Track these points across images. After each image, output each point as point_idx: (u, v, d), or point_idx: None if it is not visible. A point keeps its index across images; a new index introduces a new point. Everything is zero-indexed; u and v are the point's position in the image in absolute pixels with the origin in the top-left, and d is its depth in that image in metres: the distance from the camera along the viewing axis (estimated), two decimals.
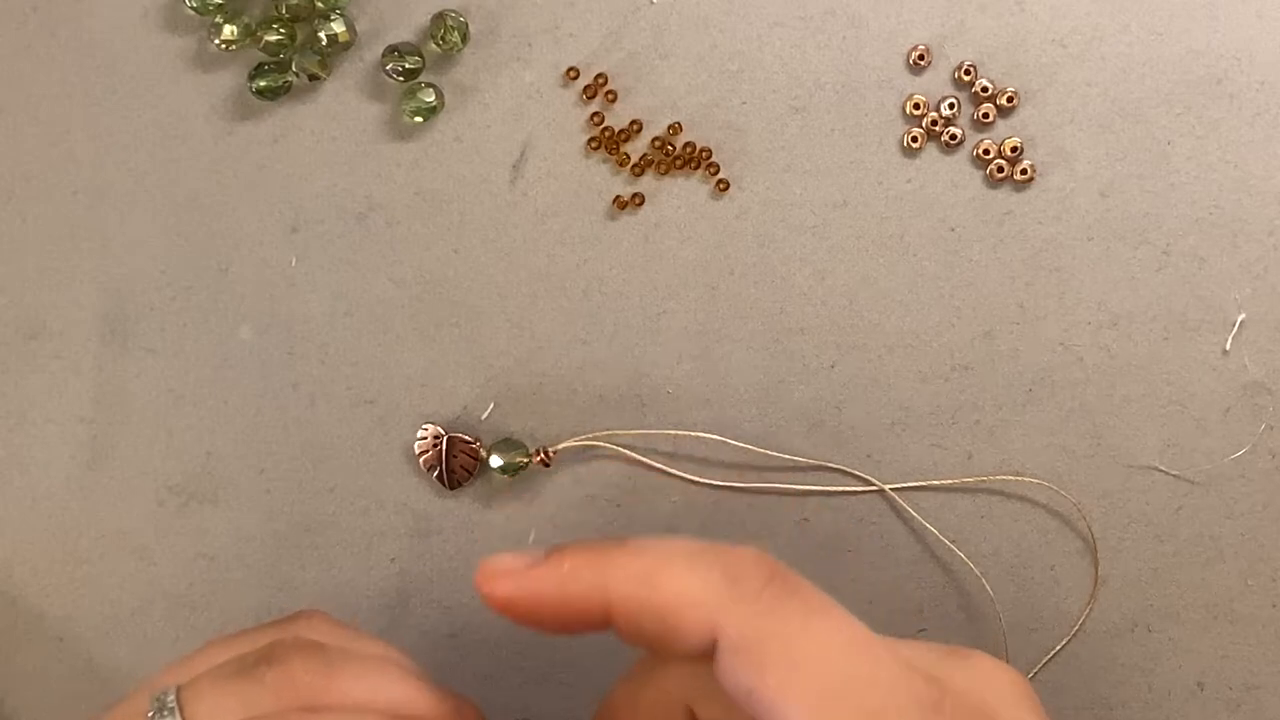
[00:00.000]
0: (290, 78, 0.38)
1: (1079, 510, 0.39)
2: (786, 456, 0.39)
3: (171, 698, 0.28)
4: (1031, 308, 0.38)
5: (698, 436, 0.39)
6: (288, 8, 0.38)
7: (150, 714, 0.28)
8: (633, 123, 0.38)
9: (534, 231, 0.39)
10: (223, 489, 0.39)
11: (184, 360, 0.39)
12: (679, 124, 0.38)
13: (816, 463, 0.39)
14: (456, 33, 0.38)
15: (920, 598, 0.39)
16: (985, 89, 0.38)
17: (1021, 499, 0.39)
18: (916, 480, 0.39)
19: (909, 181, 0.38)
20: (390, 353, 0.39)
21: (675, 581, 0.25)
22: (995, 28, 0.38)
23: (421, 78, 0.38)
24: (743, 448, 0.39)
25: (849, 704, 0.24)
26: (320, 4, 0.37)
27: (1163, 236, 0.38)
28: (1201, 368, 0.38)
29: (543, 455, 0.38)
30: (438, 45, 0.38)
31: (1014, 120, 0.38)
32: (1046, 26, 0.38)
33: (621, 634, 0.26)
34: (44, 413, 0.39)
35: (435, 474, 0.39)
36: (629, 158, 0.38)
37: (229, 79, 0.39)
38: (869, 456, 0.39)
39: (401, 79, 0.38)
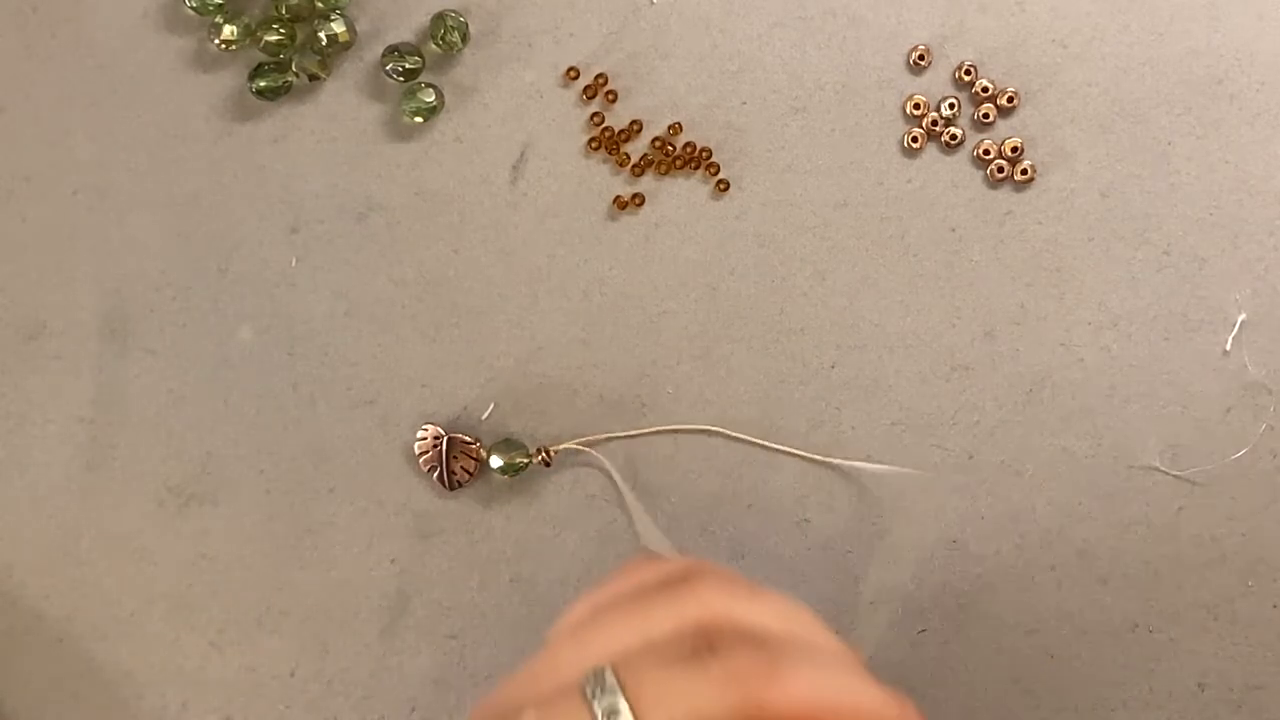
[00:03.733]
0: (290, 78, 0.38)
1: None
2: (788, 449, 0.39)
3: (611, 678, 0.27)
4: (1031, 308, 0.38)
5: (698, 433, 0.39)
6: (288, 8, 0.38)
7: (588, 690, 0.27)
8: (633, 123, 0.38)
9: (534, 231, 0.39)
10: (223, 489, 0.39)
11: (184, 360, 0.39)
12: (679, 124, 0.38)
13: (818, 458, 0.39)
14: (456, 33, 0.38)
15: (921, 598, 0.39)
16: (985, 89, 0.38)
17: (1020, 498, 0.39)
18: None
19: (909, 181, 0.38)
20: (390, 353, 0.39)
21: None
22: (995, 28, 0.38)
23: (421, 78, 0.38)
24: (742, 440, 0.39)
25: None
26: (320, 4, 0.37)
27: (1163, 236, 0.38)
28: (1201, 368, 0.38)
29: (543, 455, 0.38)
30: (438, 45, 0.38)
31: (1014, 120, 0.38)
32: (1046, 26, 0.38)
33: None
34: (44, 413, 0.39)
35: (435, 474, 0.39)
36: (629, 158, 0.38)
37: (229, 79, 0.39)
38: (869, 457, 0.39)
39: (401, 79, 0.38)
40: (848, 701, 0.28)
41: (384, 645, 0.40)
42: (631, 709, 0.27)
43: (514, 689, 0.29)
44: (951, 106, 0.38)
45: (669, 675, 0.27)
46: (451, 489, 0.39)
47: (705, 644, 0.28)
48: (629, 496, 0.37)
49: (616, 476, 0.38)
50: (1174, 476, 0.39)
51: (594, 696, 0.27)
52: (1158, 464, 0.39)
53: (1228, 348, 0.38)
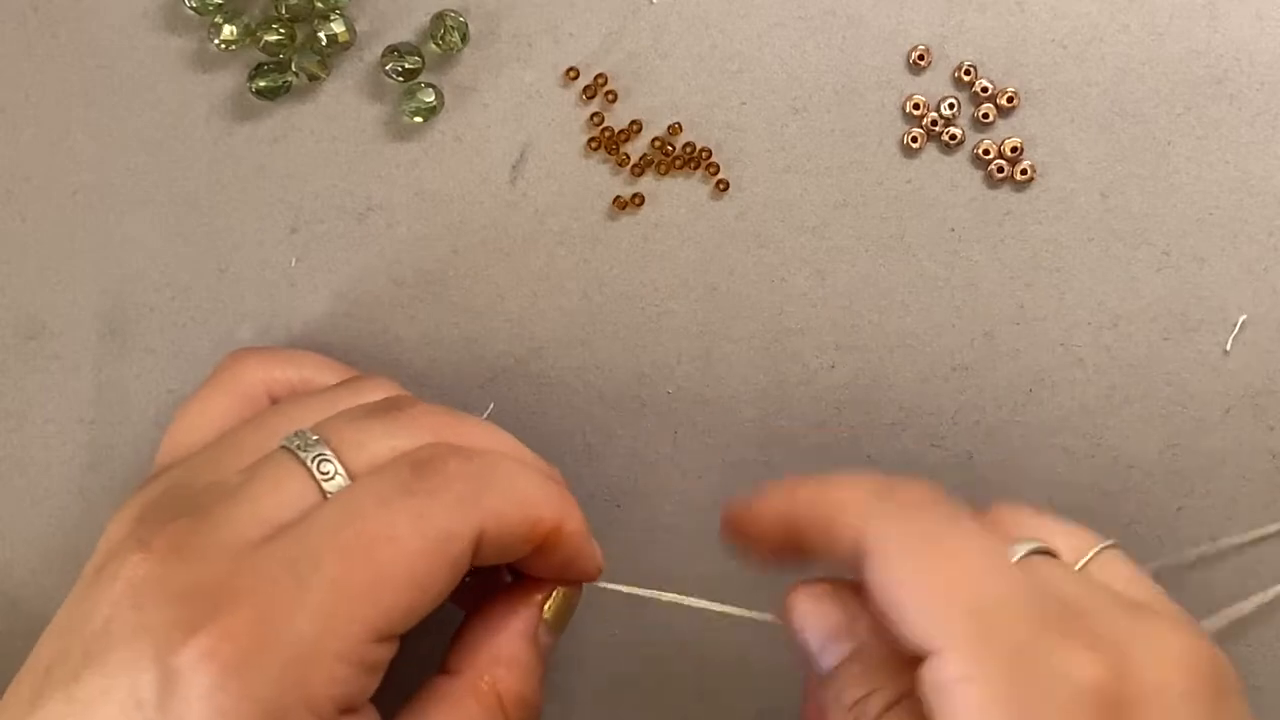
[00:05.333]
0: (290, 78, 0.38)
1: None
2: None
3: (312, 434, 0.29)
4: (1031, 308, 0.38)
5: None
6: (288, 8, 0.38)
7: (292, 445, 0.29)
8: (633, 123, 0.38)
9: (534, 231, 0.39)
10: None
11: (184, 360, 0.39)
12: (679, 124, 0.38)
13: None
14: (456, 33, 0.38)
15: None
16: (985, 89, 0.38)
17: (1020, 498, 0.39)
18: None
19: (909, 181, 0.38)
20: (390, 353, 0.39)
21: (834, 493, 0.29)
22: (995, 28, 0.38)
23: (421, 78, 0.38)
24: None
25: (986, 626, 0.25)
26: (320, 4, 0.37)
27: (1163, 236, 0.38)
28: (1201, 368, 0.38)
29: None
30: (438, 45, 0.38)
31: (1014, 120, 0.38)
32: (1046, 26, 0.38)
33: (805, 552, 0.30)
34: (44, 413, 0.39)
35: None
36: (629, 158, 0.38)
37: (229, 79, 0.39)
38: (869, 457, 0.39)
39: (401, 79, 0.38)
40: (519, 453, 0.31)
41: None
42: (336, 455, 0.28)
43: (202, 470, 0.30)
44: (951, 106, 0.38)
45: (366, 424, 0.30)
46: None
47: (391, 405, 0.31)
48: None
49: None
50: (1173, 476, 0.39)
51: (300, 450, 0.29)
52: (1156, 463, 0.39)
53: (1228, 348, 0.38)
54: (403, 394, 0.34)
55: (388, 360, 0.39)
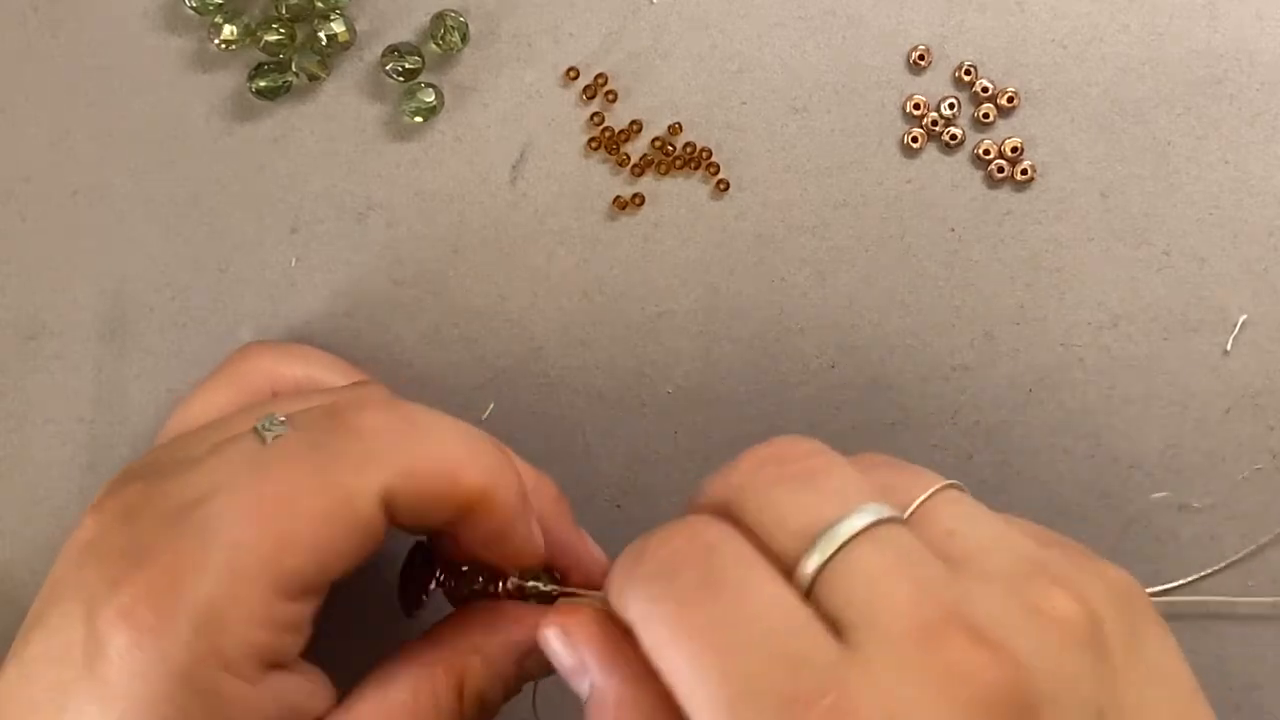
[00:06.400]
0: (290, 78, 0.38)
1: None
2: None
3: (281, 417, 0.29)
4: (1031, 308, 0.38)
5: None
6: (288, 8, 0.38)
7: (264, 428, 0.29)
8: (633, 123, 0.38)
9: (534, 231, 0.39)
10: None
11: (184, 360, 0.39)
12: (679, 124, 0.38)
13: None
14: (456, 33, 0.38)
15: None
16: (985, 89, 0.38)
17: (1020, 498, 0.39)
18: None
19: (909, 181, 0.38)
20: (390, 353, 0.39)
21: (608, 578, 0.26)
22: (995, 28, 0.38)
23: (421, 78, 0.38)
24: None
25: None
26: (320, 4, 0.37)
27: (1163, 236, 0.38)
28: (1201, 368, 0.38)
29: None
30: (438, 45, 0.38)
31: (1014, 120, 0.38)
32: (1046, 26, 0.38)
33: None
34: (44, 413, 0.39)
35: None
36: (629, 158, 0.38)
37: (229, 79, 0.39)
38: None
39: (401, 79, 0.38)
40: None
41: None
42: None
43: (180, 447, 0.31)
44: (951, 106, 0.38)
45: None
46: None
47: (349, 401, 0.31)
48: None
49: None
50: (1173, 476, 0.39)
51: (265, 430, 0.29)
52: (1157, 463, 0.39)
53: (1228, 348, 0.38)
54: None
55: (388, 360, 0.39)
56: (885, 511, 0.24)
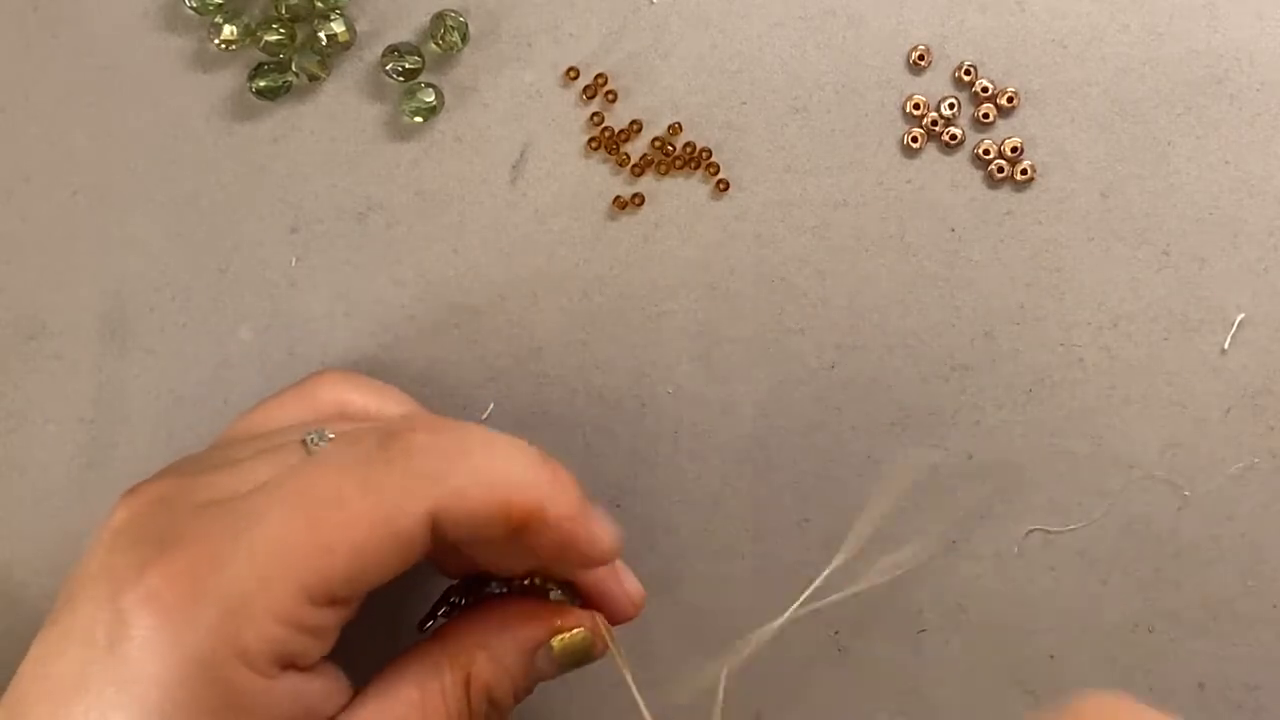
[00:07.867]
0: (290, 78, 0.38)
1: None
2: None
3: (331, 433, 0.30)
4: (1031, 308, 0.38)
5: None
6: (288, 8, 0.38)
7: (311, 440, 0.30)
8: (633, 123, 0.38)
9: (534, 231, 0.39)
10: None
11: (184, 360, 0.39)
12: (679, 124, 0.38)
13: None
14: (456, 33, 0.38)
15: (920, 598, 0.39)
16: (985, 89, 0.38)
17: (1021, 498, 0.39)
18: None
19: (909, 181, 0.38)
20: (390, 353, 0.39)
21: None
22: (995, 28, 0.38)
23: (421, 78, 0.38)
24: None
25: None
26: (320, 4, 0.37)
27: (1163, 236, 0.38)
28: (1201, 368, 0.38)
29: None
30: (438, 45, 0.38)
31: (1014, 120, 0.38)
32: (1046, 26, 0.38)
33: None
34: (44, 413, 0.39)
35: None
36: (629, 158, 0.38)
37: (229, 79, 0.39)
38: (869, 457, 0.39)
39: (401, 79, 0.38)
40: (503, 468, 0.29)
41: None
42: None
43: (231, 450, 0.31)
44: (951, 106, 0.38)
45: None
46: None
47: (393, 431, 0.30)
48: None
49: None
50: (1173, 476, 0.39)
51: (313, 443, 0.30)
52: (1157, 464, 0.39)
53: (1227, 348, 0.38)
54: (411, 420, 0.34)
55: (388, 360, 0.39)
56: None
